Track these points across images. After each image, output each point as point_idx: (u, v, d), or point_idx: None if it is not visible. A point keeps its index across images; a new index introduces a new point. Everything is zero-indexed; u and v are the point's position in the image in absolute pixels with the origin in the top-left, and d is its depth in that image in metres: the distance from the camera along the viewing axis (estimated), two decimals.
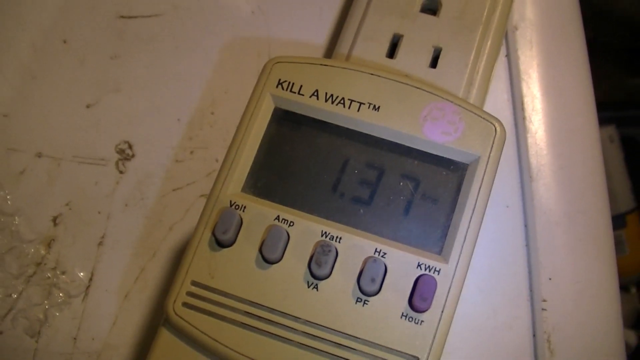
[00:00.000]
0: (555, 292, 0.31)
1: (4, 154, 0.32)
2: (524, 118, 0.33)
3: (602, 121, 0.90)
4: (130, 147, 0.32)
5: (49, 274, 0.31)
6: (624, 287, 0.91)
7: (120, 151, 0.32)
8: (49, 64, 0.34)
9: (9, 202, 0.31)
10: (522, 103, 0.33)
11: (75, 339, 0.30)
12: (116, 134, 0.33)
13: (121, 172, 0.32)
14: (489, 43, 0.30)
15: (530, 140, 0.32)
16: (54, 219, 0.31)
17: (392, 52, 0.29)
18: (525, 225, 0.32)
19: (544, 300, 0.30)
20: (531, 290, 0.31)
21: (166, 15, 0.34)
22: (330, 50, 0.33)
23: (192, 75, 0.33)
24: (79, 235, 0.31)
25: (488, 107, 0.32)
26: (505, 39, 0.34)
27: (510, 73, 0.33)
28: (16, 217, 0.31)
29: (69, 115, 0.33)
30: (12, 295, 0.30)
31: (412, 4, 0.30)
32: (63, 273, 0.31)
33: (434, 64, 0.29)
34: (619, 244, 0.90)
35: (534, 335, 0.30)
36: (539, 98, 0.33)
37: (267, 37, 0.34)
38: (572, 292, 0.31)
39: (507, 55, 0.34)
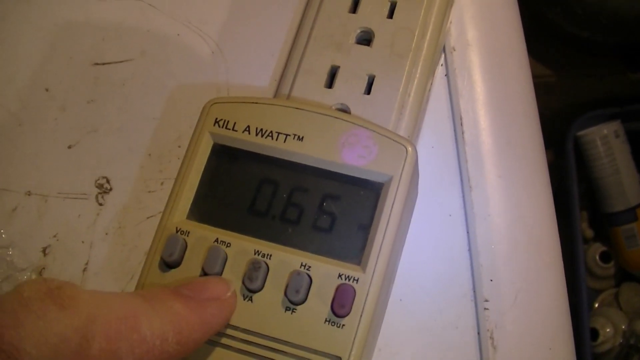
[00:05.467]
0: (496, 292, 0.33)
1: None
2: (462, 132, 0.35)
3: (607, 117, 0.92)
4: (108, 181, 0.36)
5: None
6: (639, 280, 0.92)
7: (100, 186, 0.36)
8: (34, 111, 0.38)
9: (3, 236, 0.35)
10: (461, 118, 0.35)
11: None
12: (95, 171, 0.36)
13: (101, 205, 0.36)
14: (419, 67, 0.33)
15: (468, 152, 0.35)
16: (44, 250, 0.35)
17: (330, 83, 0.33)
18: (467, 232, 0.34)
19: (486, 300, 0.33)
20: (474, 291, 0.34)
21: (135, 61, 0.38)
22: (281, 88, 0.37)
23: (159, 113, 0.37)
24: (66, 263, 0.35)
25: (430, 125, 0.35)
26: (445, 60, 0.37)
27: (450, 91, 0.36)
28: (10, 249, 0.35)
29: (53, 156, 0.37)
30: None
31: (348, 37, 0.33)
32: None
33: (368, 90, 0.32)
34: (630, 238, 0.90)
35: (478, 333, 0.33)
36: (477, 113, 0.36)
37: (225, 75, 0.37)
38: (511, 292, 0.33)
39: (447, 75, 0.37)
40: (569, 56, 0.95)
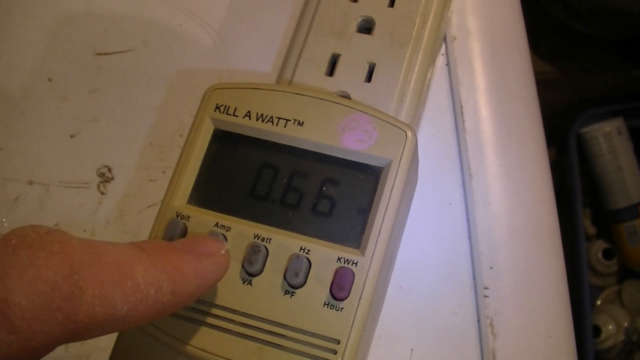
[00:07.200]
0: (495, 280, 0.33)
1: (0, 184, 0.36)
2: (463, 121, 0.35)
3: (610, 114, 0.92)
4: (109, 170, 0.36)
5: None
6: None
7: (101, 175, 0.36)
8: (37, 100, 0.38)
9: (5, 224, 0.36)
10: (461, 107, 0.36)
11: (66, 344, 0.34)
12: (97, 160, 0.37)
13: (102, 194, 0.36)
14: (420, 56, 0.33)
15: (469, 141, 0.35)
16: None
17: (331, 71, 0.33)
18: (467, 220, 0.34)
19: (486, 288, 0.33)
20: (474, 279, 0.34)
21: (137, 51, 0.38)
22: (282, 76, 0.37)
23: (161, 102, 0.37)
24: None
25: (431, 113, 0.35)
26: (446, 49, 0.37)
27: (450, 80, 0.36)
28: None
29: (55, 145, 0.37)
30: None
31: (349, 25, 0.33)
32: None
33: (369, 78, 0.32)
34: (633, 235, 0.90)
35: (478, 321, 0.33)
36: (478, 102, 0.36)
37: (227, 65, 0.37)
38: (511, 280, 0.33)
39: (447, 64, 0.37)
40: (571, 52, 0.95)
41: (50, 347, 0.17)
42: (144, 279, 0.19)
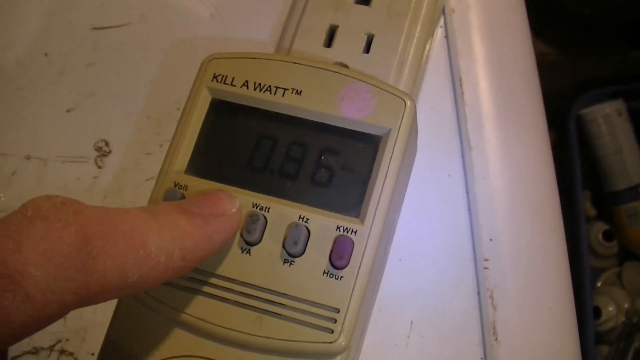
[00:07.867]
0: (495, 252, 0.33)
1: None
2: (462, 93, 0.35)
3: (610, 95, 0.91)
4: (107, 144, 0.36)
5: None
6: None
7: (98, 149, 0.36)
8: (33, 75, 0.38)
9: (2, 199, 0.35)
10: (460, 79, 0.35)
11: (65, 318, 0.34)
12: (94, 134, 0.36)
13: (100, 167, 0.36)
14: (418, 27, 0.32)
15: (468, 113, 0.35)
16: None
17: (329, 42, 0.32)
18: (467, 192, 0.34)
19: (486, 260, 0.33)
20: (474, 251, 0.33)
21: (134, 25, 0.38)
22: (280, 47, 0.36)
23: (158, 76, 0.37)
24: None
25: (430, 86, 0.35)
26: (444, 21, 0.37)
27: (449, 53, 0.36)
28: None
29: (52, 119, 0.37)
30: None
31: None
32: None
33: (367, 49, 0.32)
34: (633, 217, 0.90)
35: (478, 293, 0.33)
36: (477, 74, 0.35)
37: (224, 37, 0.37)
38: (511, 252, 0.33)
39: (446, 37, 0.36)
40: (571, 35, 0.94)
41: (62, 313, 0.18)
42: (155, 246, 0.20)
